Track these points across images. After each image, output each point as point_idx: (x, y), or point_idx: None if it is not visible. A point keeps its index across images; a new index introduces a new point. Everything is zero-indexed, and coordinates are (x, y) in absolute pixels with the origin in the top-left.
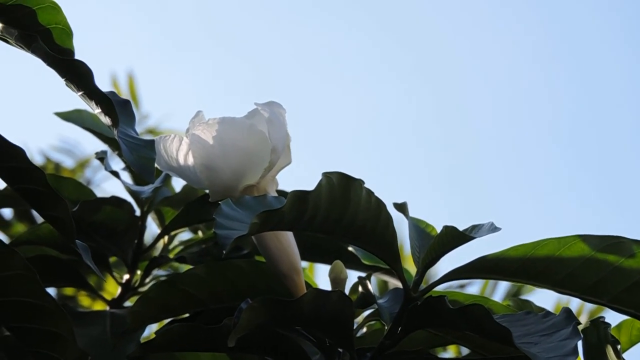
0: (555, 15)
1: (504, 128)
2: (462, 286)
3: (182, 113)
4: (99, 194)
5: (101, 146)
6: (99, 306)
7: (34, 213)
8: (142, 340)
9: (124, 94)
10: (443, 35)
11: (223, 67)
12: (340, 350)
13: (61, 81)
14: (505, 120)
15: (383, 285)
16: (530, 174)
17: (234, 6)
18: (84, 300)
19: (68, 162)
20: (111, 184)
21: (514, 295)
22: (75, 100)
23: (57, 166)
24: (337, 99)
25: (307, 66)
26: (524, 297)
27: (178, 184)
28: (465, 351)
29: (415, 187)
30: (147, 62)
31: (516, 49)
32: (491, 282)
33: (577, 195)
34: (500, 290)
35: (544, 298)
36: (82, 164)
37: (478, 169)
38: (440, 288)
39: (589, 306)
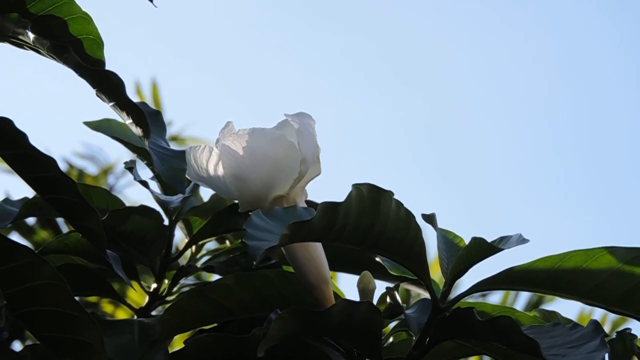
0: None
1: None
2: (483, 295)
3: (205, 121)
4: (122, 200)
5: (125, 153)
6: (122, 313)
7: (59, 220)
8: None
9: (148, 101)
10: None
11: (246, 75)
12: None
13: (82, 87)
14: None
15: (405, 293)
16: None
17: (255, 15)
18: (107, 307)
19: (91, 169)
20: (133, 190)
21: (535, 304)
22: (96, 106)
23: (81, 173)
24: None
25: (314, 73)
26: (545, 306)
27: (206, 193)
28: None
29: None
30: (170, 68)
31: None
32: (512, 292)
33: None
34: (521, 300)
35: (565, 308)
36: (106, 171)
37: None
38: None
39: (612, 316)
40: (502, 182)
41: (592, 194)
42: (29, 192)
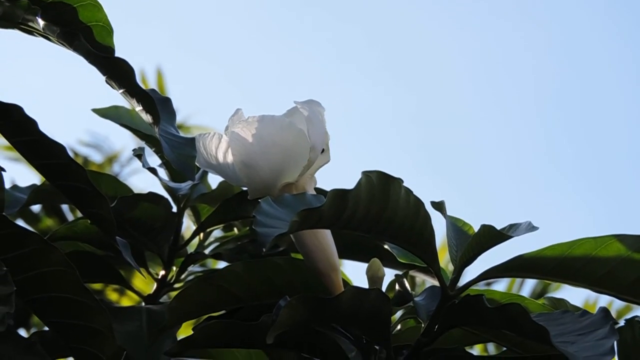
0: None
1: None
2: (488, 284)
3: (210, 109)
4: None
5: (130, 141)
6: (127, 301)
7: (64, 208)
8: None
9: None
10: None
11: (250, 64)
12: (377, 347)
13: (86, 75)
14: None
15: (411, 281)
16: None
17: (258, 3)
18: (112, 295)
19: (96, 157)
20: (138, 178)
21: (540, 292)
22: (101, 95)
23: (85, 160)
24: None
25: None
26: (550, 294)
27: (214, 180)
28: (491, 348)
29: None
30: (174, 56)
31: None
32: (518, 279)
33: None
34: (526, 288)
35: (569, 296)
36: (111, 159)
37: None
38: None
39: (617, 305)
40: (507, 171)
41: (599, 182)
42: (34, 181)
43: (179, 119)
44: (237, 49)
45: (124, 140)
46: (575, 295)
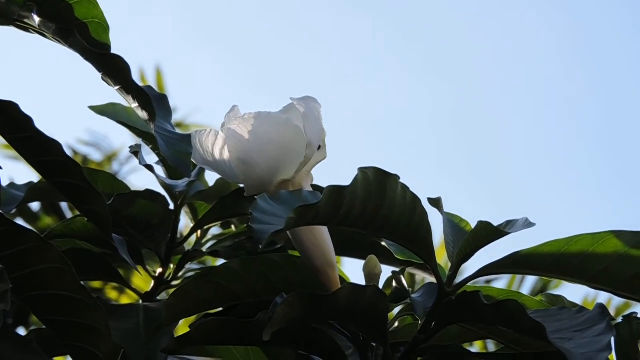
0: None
1: (527, 120)
2: (488, 281)
3: (208, 107)
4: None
5: (129, 140)
6: (126, 299)
7: (63, 206)
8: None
9: None
10: (454, 25)
11: (248, 62)
12: (374, 344)
13: (85, 74)
14: (529, 112)
15: (410, 279)
16: (555, 166)
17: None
18: (111, 293)
19: (95, 156)
20: (137, 177)
21: (540, 290)
22: (100, 95)
23: (85, 159)
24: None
25: (324, 59)
26: (550, 292)
27: (211, 178)
28: (491, 346)
29: (434, 180)
30: (173, 55)
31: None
32: (518, 277)
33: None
34: (527, 286)
35: (568, 295)
36: (110, 157)
37: (502, 161)
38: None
39: (616, 302)
40: (509, 171)
41: (600, 182)
42: (33, 180)
43: (178, 117)
44: (237, 48)
45: (123, 139)
46: (574, 292)
